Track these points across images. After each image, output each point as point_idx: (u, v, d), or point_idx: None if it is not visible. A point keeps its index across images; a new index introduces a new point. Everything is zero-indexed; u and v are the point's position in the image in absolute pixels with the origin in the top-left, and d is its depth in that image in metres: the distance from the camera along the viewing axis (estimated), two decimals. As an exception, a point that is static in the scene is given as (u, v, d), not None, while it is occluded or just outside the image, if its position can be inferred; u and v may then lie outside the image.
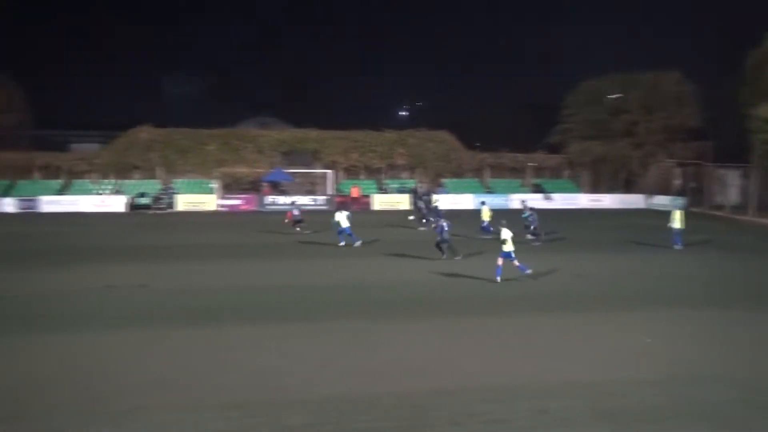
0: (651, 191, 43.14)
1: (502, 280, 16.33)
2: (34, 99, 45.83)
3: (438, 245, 19.91)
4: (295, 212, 26.54)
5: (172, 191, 38.08)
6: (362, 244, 22.72)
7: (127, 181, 39.74)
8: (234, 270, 18.95)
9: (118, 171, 40.28)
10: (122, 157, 40.45)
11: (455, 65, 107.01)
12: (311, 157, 43.26)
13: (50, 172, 40.03)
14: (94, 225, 29.44)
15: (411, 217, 29.30)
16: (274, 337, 12.14)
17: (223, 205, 37.67)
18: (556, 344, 11.62)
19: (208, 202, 37.59)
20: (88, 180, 39.76)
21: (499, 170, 46.58)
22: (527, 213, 24.56)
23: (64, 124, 57.40)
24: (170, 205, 36.77)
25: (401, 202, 39.01)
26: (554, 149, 48.47)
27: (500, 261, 16.41)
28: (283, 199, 38.04)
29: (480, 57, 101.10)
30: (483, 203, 26.21)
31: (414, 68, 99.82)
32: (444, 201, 37.81)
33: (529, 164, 46.48)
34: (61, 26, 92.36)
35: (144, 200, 37.24)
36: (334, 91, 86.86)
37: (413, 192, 40.18)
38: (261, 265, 19.61)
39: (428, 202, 31.78)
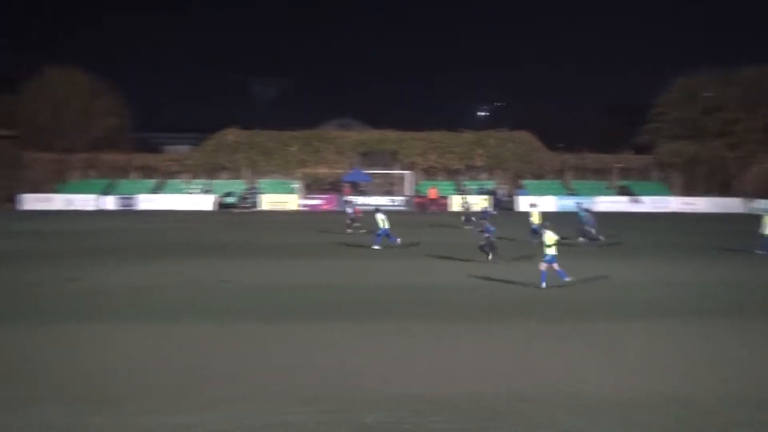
0: (751, 194, 40.24)
1: (562, 285, 15.81)
2: (133, 104, 49.20)
3: (482, 248, 19.76)
4: (349, 210, 26.49)
5: (256, 191, 39.52)
6: (401, 242, 22.62)
7: (215, 181, 41.61)
8: (313, 268, 19.40)
9: (207, 171, 42.29)
10: (211, 158, 42.42)
11: (536, 64, 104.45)
12: (390, 158, 43.58)
13: (146, 172, 42.62)
14: (184, 222, 31.04)
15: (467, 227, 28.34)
16: (351, 335, 12.32)
17: (304, 205, 38.66)
18: (640, 353, 11.09)
19: (290, 201, 38.70)
20: (180, 180, 41.97)
21: (582, 172, 45.00)
22: (582, 215, 23.84)
23: (159, 128, 61.05)
24: (255, 204, 38.17)
25: (479, 203, 38.57)
26: (642, 150, 46.26)
27: (544, 266, 15.89)
28: (362, 199, 38.59)
29: (562, 55, 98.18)
30: (533, 205, 25.68)
31: (494, 67, 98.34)
32: (521, 203, 37.06)
33: (615, 165, 44.59)
34: (158, 38, 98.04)
35: (230, 199, 38.86)
36: (413, 92, 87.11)
37: (492, 193, 39.60)
38: (339, 264, 19.94)
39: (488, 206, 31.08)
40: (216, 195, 39.16)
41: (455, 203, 38.72)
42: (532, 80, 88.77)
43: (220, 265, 19.55)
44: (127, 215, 34.99)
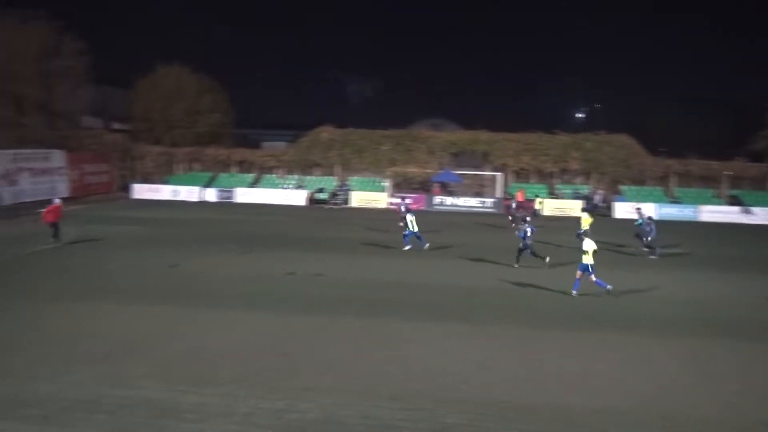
0: None
1: (599, 294, 15.27)
2: (236, 102, 51.68)
3: (519, 251, 19.35)
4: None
5: (347, 188, 40.38)
6: (429, 247, 22.19)
7: (308, 177, 42.94)
8: (398, 265, 19.58)
9: (301, 167, 43.70)
10: (306, 154, 43.77)
11: (637, 63, 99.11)
12: (481, 159, 43.09)
13: (245, 166, 44.63)
14: (277, 216, 32.26)
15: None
16: (436, 334, 12.39)
17: (393, 204, 39.07)
18: (734, 373, 10.38)
19: (380, 199, 39.22)
20: (275, 175, 43.67)
21: (686, 179, 42.31)
22: (641, 221, 22.86)
23: (258, 124, 63.71)
24: (345, 201, 39.00)
25: (573, 208, 37.27)
26: (757, 157, 42.84)
27: (579, 274, 15.54)
28: (451, 200, 38.43)
29: (667, 54, 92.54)
30: (584, 210, 24.49)
31: (592, 67, 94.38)
32: (618, 209, 35.62)
33: (724, 173, 41.59)
34: (260, 39, 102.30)
35: (322, 195, 39.95)
36: (507, 92, 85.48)
37: (587, 198, 38.18)
38: (425, 262, 20.00)
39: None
40: (308, 191, 40.41)
41: (548, 208, 37.72)
42: (632, 81, 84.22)
43: (313, 259, 20.17)
44: (226, 207, 36.86)
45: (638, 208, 26.23)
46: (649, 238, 22.06)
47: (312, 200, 39.68)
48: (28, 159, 35.04)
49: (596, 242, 16.10)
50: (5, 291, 15.19)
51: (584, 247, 15.56)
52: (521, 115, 61.81)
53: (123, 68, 50.67)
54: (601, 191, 40.17)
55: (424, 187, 41.48)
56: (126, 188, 42.28)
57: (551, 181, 42.54)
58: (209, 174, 43.88)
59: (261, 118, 67.12)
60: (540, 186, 41.64)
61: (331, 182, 42.13)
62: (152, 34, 75.78)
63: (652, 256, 21.72)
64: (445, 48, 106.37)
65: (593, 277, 15.42)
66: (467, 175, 41.34)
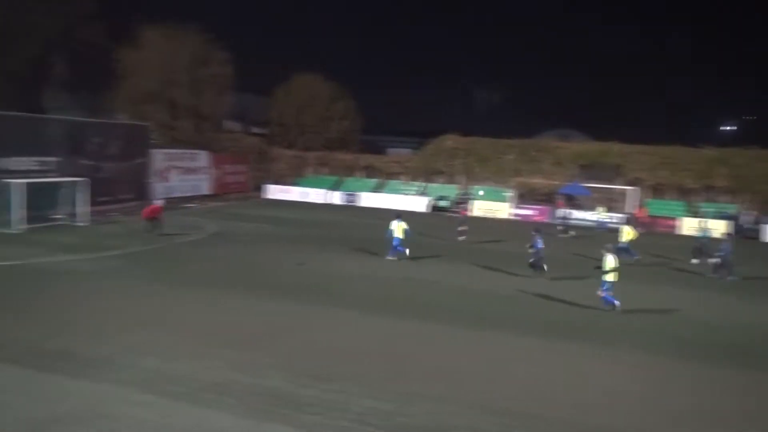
0: None
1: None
2: (364, 109, 53.38)
3: (532, 264, 19.16)
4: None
5: (469, 196, 40.14)
6: (402, 258, 20.72)
7: (430, 184, 43.25)
8: (520, 278, 19.12)
9: (424, 174, 44.12)
10: (429, 162, 44.15)
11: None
12: (612, 172, 40.88)
13: (370, 171, 45.92)
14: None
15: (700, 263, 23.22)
16: (543, 351, 12.02)
17: (515, 214, 38.23)
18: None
19: (502, 209, 38.56)
20: (398, 180, 44.47)
21: None
22: (703, 236, 22.22)
23: (384, 131, 65.23)
24: (466, 209, 38.82)
25: (717, 228, 34.22)
26: None
27: (602, 292, 15.15)
28: (576, 213, 36.83)
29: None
30: (627, 221, 22.61)
31: (741, 75, 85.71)
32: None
33: None
34: (387, 47, 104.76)
35: (443, 203, 40.04)
36: (642, 101, 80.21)
37: (733, 218, 34.83)
38: (550, 277, 19.38)
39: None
40: (430, 198, 40.68)
41: (686, 226, 34.90)
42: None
43: (431, 266, 20.30)
44: (350, 210, 38.13)
45: (702, 218, 25.08)
46: (721, 258, 20.31)
47: (433, 207, 39.89)
48: (178, 158, 38.61)
49: (743, 269, 14.74)
50: (153, 276, 16.88)
51: (606, 266, 14.90)
52: (658, 126, 57.79)
53: (262, 77, 54.27)
54: (750, 212, 36.48)
55: (548, 198, 40.15)
56: (260, 188, 45.21)
57: (692, 199, 39.36)
58: (336, 177, 45.66)
59: (387, 125, 68.65)
60: (678, 203, 38.71)
61: (453, 190, 42.11)
62: (289, 45, 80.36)
63: (730, 278, 20.00)
64: (573, 56, 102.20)
65: (601, 293, 15.07)
66: (597, 189, 39.40)
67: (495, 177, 42.43)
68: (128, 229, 24.56)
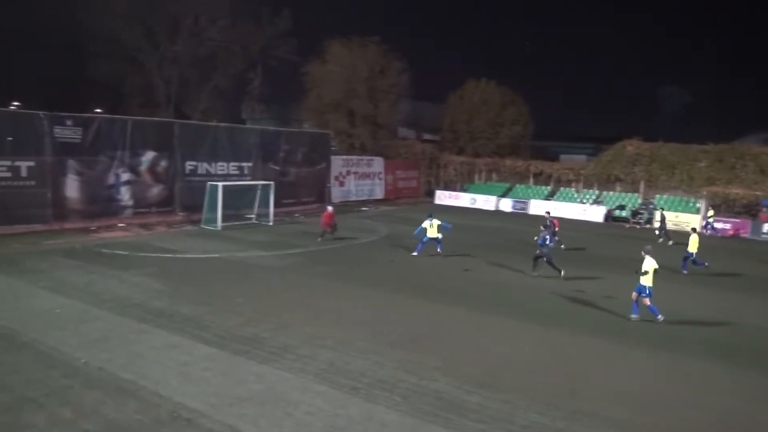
0: None
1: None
2: (536, 114, 51.93)
3: (535, 259, 18.82)
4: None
5: (652, 206, 37.08)
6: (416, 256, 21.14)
7: (606, 193, 40.71)
8: (709, 298, 17.26)
9: (600, 182, 41.64)
10: (606, 169, 41.54)
11: None
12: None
13: (542, 178, 44.49)
14: (572, 231, 31.33)
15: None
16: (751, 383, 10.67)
17: (708, 227, 34.51)
18: None
19: (691, 222, 35.02)
20: (572, 188, 42.51)
21: None
22: None
23: (557, 137, 62.76)
24: (649, 220, 35.90)
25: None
26: None
27: (635, 295, 14.47)
28: (784, 229, 32.21)
29: None
30: (694, 230, 20.93)
31: None
32: None
33: None
34: (563, 50, 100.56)
35: (622, 213, 37.47)
36: None
37: None
38: (751, 301, 17.24)
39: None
40: (607, 207, 38.29)
41: None
42: None
43: (605, 279, 19.17)
44: (519, 218, 37.28)
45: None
46: None
47: (610, 217, 37.53)
48: (354, 164, 40.88)
49: None
50: (331, 273, 18.11)
51: (644, 267, 14.25)
52: None
53: (437, 85, 55.38)
54: None
55: (749, 211, 35.61)
56: (430, 193, 46.12)
57: None
58: (506, 184, 44.97)
59: (560, 130, 65.99)
60: None
61: (633, 199, 39.23)
62: (463, 51, 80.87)
63: None
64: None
65: (647, 301, 14.24)
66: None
67: (683, 186, 38.68)
68: (309, 230, 26.58)
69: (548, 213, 26.45)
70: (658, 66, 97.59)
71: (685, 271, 21.02)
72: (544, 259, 18.80)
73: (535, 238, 19.47)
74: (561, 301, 16.22)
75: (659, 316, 14.37)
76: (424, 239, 21.75)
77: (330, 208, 25.51)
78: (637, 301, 14.59)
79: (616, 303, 16.30)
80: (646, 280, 14.36)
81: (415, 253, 21.62)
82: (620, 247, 27.12)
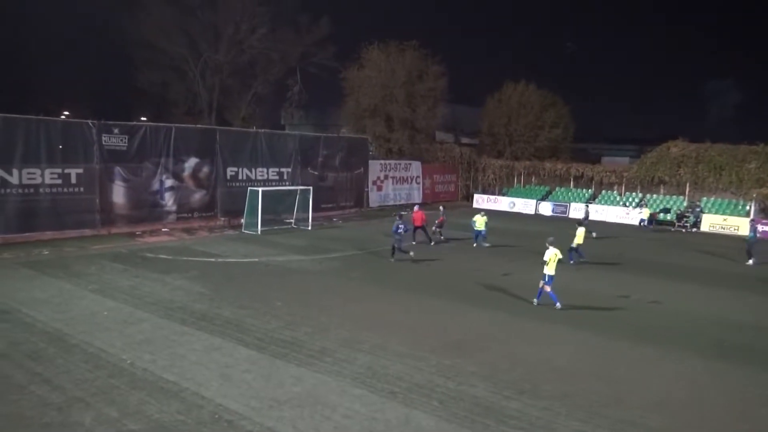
0: None
1: None
2: (577, 115, 51.03)
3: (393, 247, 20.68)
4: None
5: (698, 209, 35.97)
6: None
7: (650, 196, 39.69)
8: (759, 304, 16.64)
9: (643, 185, 40.63)
10: (650, 171, 40.50)
11: None
12: None
13: (582, 181, 43.67)
14: (615, 235, 30.66)
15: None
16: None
17: (758, 231, 33.26)
18: None
19: (740, 225, 33.84)
20: (615, 192, 41.57)
21: None
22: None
23: (599, 139, 61.59)
24: (695, 224, 34.84)
25: None
26: None
27: (541, 284, 15.38)
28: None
29: None
30: (579, 223, 21.96)
31: None
32: None
33: None
34: (608, 50, 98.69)
35: (667, 216, 36.46)
36: None
37: None
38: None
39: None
40: (650, 210, 37.30)
41: None
42: None
43: (650, 284, 18.69)
44: (559, 221, 36.63)
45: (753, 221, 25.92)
46: None
47: (654, 221, 36.55)
48: (392, 168, 40.95)
49: None
50: (368, 278, 18.18)
51: (545, 257, 15.25)
52: None
53: (476, 88, 55.03)
54: None
55: (802, 214, 34.17)
56: (468, 197, 45.78)
57: None
58: (545, 188, 44.33)
59: (602, 132, 64.73)
60: None
61: (678, 202, 38.13)
62: (501, 54, 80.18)
63: None
64: None
65: (548, 288, 15.15)
66: None
67: (731, 188, 37.39)
68: (345, 235, 26.74)
69: (442, 208, 27.85)
70: (704, 64, 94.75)
71: (571, 262, 21.36)
72: (396, 245, 20.67)
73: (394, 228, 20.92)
74: (604, 307, 15.88)
75: (558, 304, 15.09)
76: (476, 233, 24.69)
77: (417, 208, 26.19)
78: (544, 290, 15.36)
79: (661, 309, 15.89)
80: (549, 269, 15.26)
81: (475, 245, 24.72)
82: (665, 252, 26.40)
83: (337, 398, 9.48)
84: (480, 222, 24.80)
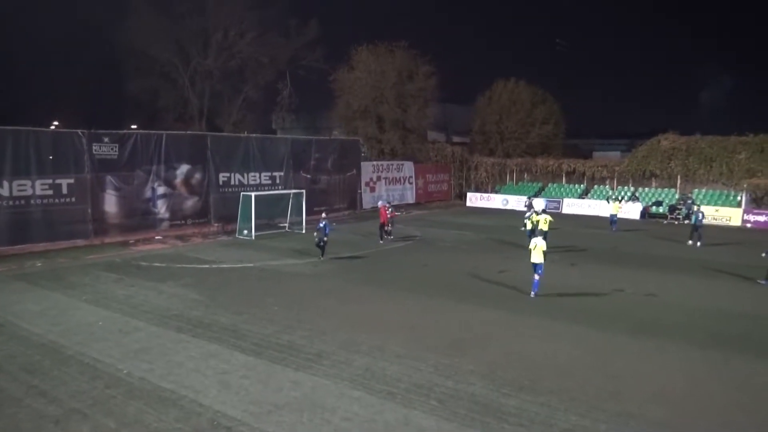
0: None
1: None
2: (568, 111, 51.20)
3: (318, 245, 21.19)
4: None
5: (690, 202, 36.16)
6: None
7: (643, 189, 39.86)
8: (754, 294, 16.73)
9: (635, 179, 40.81)
10: (641, 165, 40.68)
11: None
12: None
13: (574, 177, 43.79)
14: (607, 229, 30.72)
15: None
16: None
17: (749, 221, 33.49)
18: None
19: (732, 216, 34.04)
20: (606, 186, 41.72)
21: None
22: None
23: (590, 134, 61.78)
24: (687, 216, 35.00)
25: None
26: None
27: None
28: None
29: None
30: (544, 211, 21.89)
31: None
32: None
33: None
34: (596, 47, 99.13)
35: (659, 209, 36.62)
36: None
37: None
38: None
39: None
40: (643, 204, 37.45)
41: None
42: None
43: (645, 277, 18.77)
44: (552, 217, 36.71)
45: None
46: None
47: (647, 214, 36.71)
48: (385, 169, 40.96)
49: None
50: (364, 279, 18.16)
51: (530, 245, 16.06)
52: None
53: (466, 87, 55.07)
54: None
55: (793, 203, 34.42)
56: (461, 196, 45.83)
57: None
58: (538, 184, 44.44)
59: (593, 127, 64.94)
60: None
61: (669, 194, 38.32)
62: (490, 52, 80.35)
63: None
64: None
65: (536, 276, 15.85)
66: None
67: (721, 179, 37.61)
68: (340, 237, 26.72)
69: (388, 203, 27.72)
70: (693, 58, 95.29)
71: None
72: (320, 243, 21.12)
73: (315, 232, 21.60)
74: (599, 302, 15.94)
75: (532, 293, 15.88)
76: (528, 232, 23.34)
77: (381, 203, 26.78)
78: (537, 280, 16.02)
79: (657, 301, 15.96)
80: (536, 257, 15.95)
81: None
82: (658, 244, 26.53)
83: (335, 401, 9.46)
84: (543, 222, 23.65)
